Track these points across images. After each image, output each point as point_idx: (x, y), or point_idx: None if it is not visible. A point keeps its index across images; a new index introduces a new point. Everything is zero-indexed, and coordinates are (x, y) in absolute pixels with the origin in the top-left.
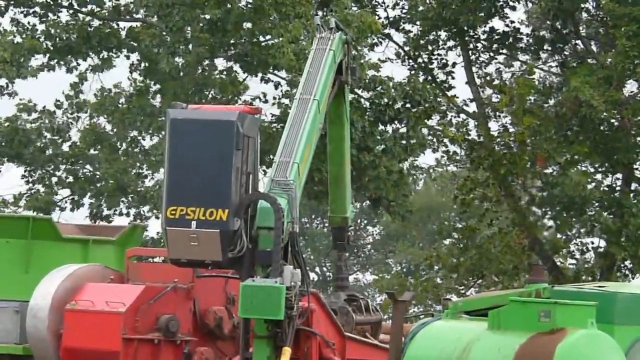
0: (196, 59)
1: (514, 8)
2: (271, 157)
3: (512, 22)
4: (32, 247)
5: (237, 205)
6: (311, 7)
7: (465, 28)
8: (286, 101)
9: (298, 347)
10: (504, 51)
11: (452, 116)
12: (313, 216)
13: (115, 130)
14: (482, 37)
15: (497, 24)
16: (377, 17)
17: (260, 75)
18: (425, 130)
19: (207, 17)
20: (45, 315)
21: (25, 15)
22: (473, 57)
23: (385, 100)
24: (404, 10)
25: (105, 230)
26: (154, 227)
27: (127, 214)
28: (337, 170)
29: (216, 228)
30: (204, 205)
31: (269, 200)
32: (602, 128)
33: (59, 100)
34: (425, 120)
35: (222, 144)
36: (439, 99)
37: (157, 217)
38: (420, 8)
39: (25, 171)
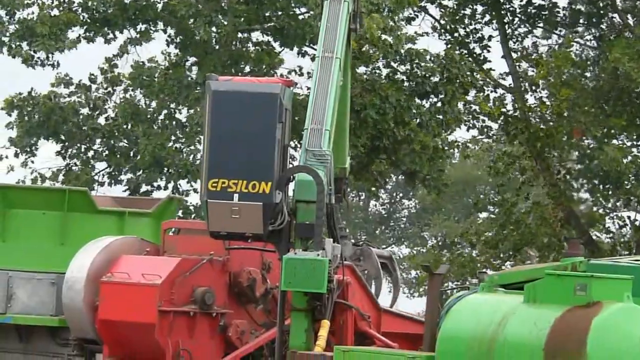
0: (233, 30)
1: None
2: None
3: None
4: (68, 219)
5: (279, 178)
6: None
7: (501, 1)
8: None
9: (333, 320)
10: (541, 25)
11: (489, 91)
12: (349, 189)
13: (151, 103)
14: (519, 10)
15: None
16: None
17: (296, 49)
18: (460, 105)
19: None
20: (81, 287)
21: None
22: (509, 30)
23: (422, 72)
24: None
25: (141, 203)
26: (195, 199)
27: (166, 188)
28: (339, 120)
29: (259, 201)
30: (247, 178)
31: (311, 174)
32: (639, 101)
33: (93, 74)
34: (463, 96)
35: (266, 116)
36: (475, 74)
37: (195, 191)
38: None
39: (62, 148)
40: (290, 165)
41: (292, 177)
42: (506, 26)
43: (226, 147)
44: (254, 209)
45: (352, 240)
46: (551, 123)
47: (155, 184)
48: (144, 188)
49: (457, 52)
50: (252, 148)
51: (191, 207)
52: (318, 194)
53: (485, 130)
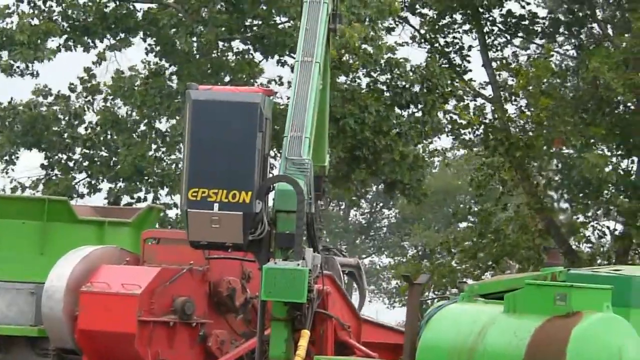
0: (215, 39)
1: None
2: None
3: (528, 3)
4: (47, 228)
5: (259, 188)
6: None
7: (481, 10)
8: None
9: (314, 330)
10: (520, 34)
11: (469, 100)
12: (328, 199)
13: (131, 112)
14: (498, 20)
15: (513, 6)
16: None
17: (276, 57)
18: (440, 114)
19: None
20: (60, 297)
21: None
22: (489, 40)
23: (403, 83)
24: None
25: (121, 212)
26: (173, 213)
27: (145, 199)
28: (318, 118)
29: (239, 210)
30: (227, 187)
31: (291, 183)
32: (617, 111)
33: (72, 84)
34: (443, 105)
35: (247, 125)
36: (455, 83)
37: (175, 205)
38: None
39: (44, 158)
40: (271, 175)
41: (272, 186)
42: (486, 36)
43: (206, 156)
44: (234, 218)
45: (324, 245)
46: (530, 133)
47: (135, 196)
48: (124, 200)
49: (437, 63)
50: (232, 157)
51: (170, 219)
52: (298, 203)
53: (469, 143)
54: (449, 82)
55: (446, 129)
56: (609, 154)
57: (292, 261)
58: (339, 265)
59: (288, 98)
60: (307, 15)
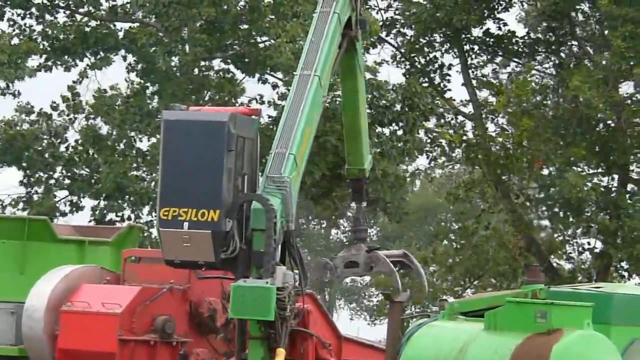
0: (194, 59)
1: (507, 9)
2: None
3: (506, 24)
4: (28, 248)
5: (230, 206)
6: (309, 5)
7: (460, 29)
8: (283, 103)
9: (294, 348)
10: (500, 54)
11: (450, 118)
12: (309, 217)
13: (112, 131)
14: (477, 40)
15: (491, 26)
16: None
17: (257, 76)
18: (422, 133)
19: (204, 17)
20: (40, 316)
21: (22, 18)
22: (469, 59)
23: (384, 102)
24: (397, 12)
25: (101, 232)
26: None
27: (129, 218)
28: (352, 122)
29: (207, 229)
30: (196, 207)
31: (261, 202)
32: (598, 129)
33: (55, 102)
34: (424, 123)
35: (213, 145)
36: (436, 102)
37: (153, 226)
38: (414, 10)
39: (24, 176)
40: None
41: (243, 204)
42: (465, 55)
43: (176, 175)
44: (203, 236)
45: (369, 245)
46: (511, 151)
47: (120, 214)
48: (109, 217)
49: (417, 81)
50: (200, 176)
51: (155, 239)
52: (267, 221)
53: (447, 154)
54: (429, 100)
55: (427, 148)
56: (590, 171)
57: (263, 279)
58: (383, 256)
59: (269, 117)
60: (315, 27)
